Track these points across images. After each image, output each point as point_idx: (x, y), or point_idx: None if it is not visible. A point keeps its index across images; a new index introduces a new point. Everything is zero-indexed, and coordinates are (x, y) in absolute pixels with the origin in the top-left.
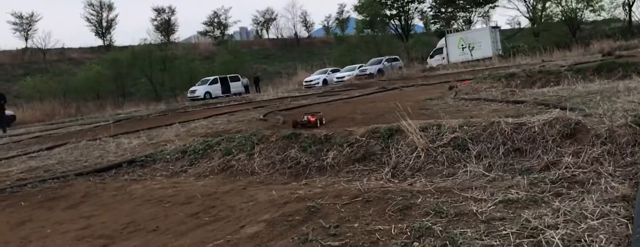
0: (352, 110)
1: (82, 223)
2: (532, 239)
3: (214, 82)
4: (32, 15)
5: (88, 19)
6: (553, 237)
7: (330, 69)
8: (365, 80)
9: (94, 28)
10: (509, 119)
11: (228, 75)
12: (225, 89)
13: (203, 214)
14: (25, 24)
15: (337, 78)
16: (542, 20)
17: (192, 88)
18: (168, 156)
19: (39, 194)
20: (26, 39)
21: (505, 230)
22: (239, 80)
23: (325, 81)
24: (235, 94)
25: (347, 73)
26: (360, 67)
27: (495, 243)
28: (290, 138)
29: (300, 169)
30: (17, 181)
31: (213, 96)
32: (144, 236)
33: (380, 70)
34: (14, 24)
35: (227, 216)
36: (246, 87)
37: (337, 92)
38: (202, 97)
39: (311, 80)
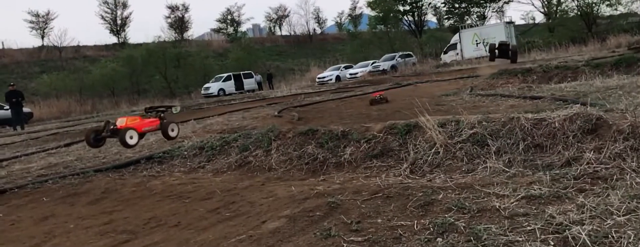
0: (366, 107)
1: (104, 218)
2: (557, 235)
3: (227, 79)
4: (48, 14)
5: (103, 17)
6: (579, 233)
7: (343, 65)
8: (378, 77)
9: (109, 26)
10: (528, 114)
11: (241, 72)
12: (239, 85)
13: (223, 210)
14: (41, 22)
15: (350, 74)
16: (557, 15)
17: (206, 85)
18: (185, 152)
19: (60, 189)
20: (42, 37)
21: (530, 226)
22: (252, 77)
23: (338, 78)
24: (248, 91)
25: (360, 69)
26: (373, 63)
27: (520, 239)
28: (306, 134)
29: (318, 165)
30: (38, 177)
31: (227, 93)
32: (166, 231)
33: (393, 67)
34: (30, 22)
35: (247, 211)
36: (259, 83)
37: (350, 88)
38: (216, 94)
39: (324, 77)
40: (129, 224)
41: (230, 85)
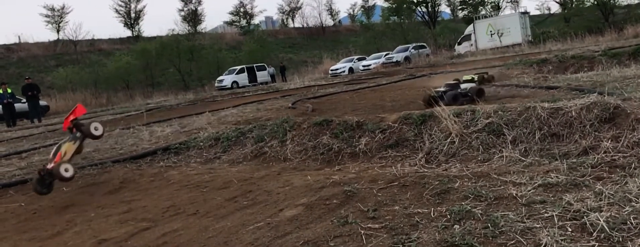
0: (380, 98)
1: (124, 207)
2: (575, 222)
3: (240, 71)
4: (63, 8)
5: (117, 10)
6: (598, 219)
7: (356, 57)
8: (391, 68)
9: (123, 19)
10: (544, 104)
11: (254, 65)
12: (252, 78)
13: (241, 199)
14: (56, 16)
15: (363, 66)
16: (573, 4)
17: (220, 77)
18: (201, 143)
19: (79, 180)
20: (58, 31)
21: (547, 213)
22: (265, 69)
23: (351, 69)
24: (261, 83)
25: (373, 61)
26: (386, 55)
27: (537, 225)
28: (321, 125)
29: (333, 155)
30: None
31: (240, 85)
32: (185, 219)
33: (407, 58)
34: (46, 16)
35: (264, 200)
36: (273, 76)
37: (363, 80)
38: (229, 86)
39: (337, 69)
40: (148, 213)
41: (243, 78)
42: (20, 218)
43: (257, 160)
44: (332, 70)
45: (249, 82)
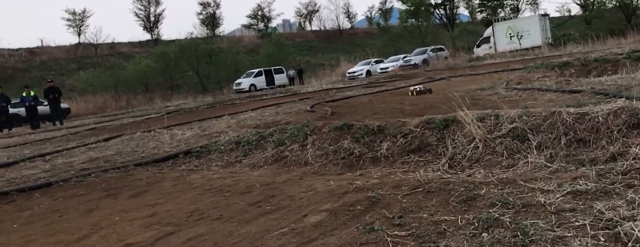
0: (400, 101)
1: (148, 211)
2: (608, 231)
3: (258, 74)
4: (84, 12)
5: (136, 14)
6: (632, 229)
7: (373, 60)
8: (409, 71)
9: (142, 23)
10: (570, 108)
11: (272, 68)
12: (270, 81)
13: (264, 203)
14: (77, 20)
15: (381, 69)
16: (594, 6)
17: (238, 80)
18: (222, 147)
19: (102, 183)
20: (79, 35)
21: (578, 221)
22: (283, 72)
23: (368, 72)
24: (279, 86)
25: (391, 64)
26: (404, 57)
27: (568, 234)
28: (342, 129)
29: (354, 160)
30: (81, 171)
31: (258, 88)
32: (210, 224)
33: (425, 61)
34: (67, 20)
35: (288, 205)
36: (292, 79)
37: (381, 83)
38: (247, 89)
39: (354, 72)
40: (172, 217)
41: (261, 81)
42: (46, 221)
43: (278, 164)
44: (349, 73)
45: (267, 85)
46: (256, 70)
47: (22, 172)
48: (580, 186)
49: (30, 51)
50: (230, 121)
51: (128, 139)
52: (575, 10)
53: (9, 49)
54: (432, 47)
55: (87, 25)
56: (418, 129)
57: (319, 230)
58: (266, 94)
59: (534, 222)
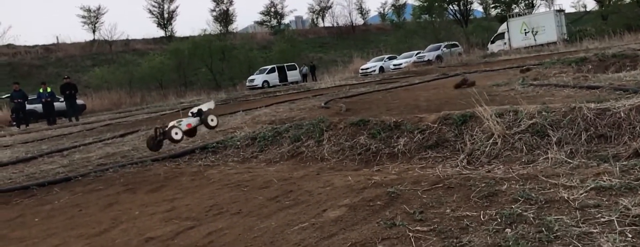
0: (415, 98)
1: (167, 206)
2: (635, 227)
3: (271, 71)
4: (99, 9)
5: (150, 11)
6: None
7: (386, 56)
8: (423, 67)
9: (156, 19)
10: (591, 104)
11: (285, 64)
12: (283, 77)
13: (283, 198)
14: (92, 17)
15: (394, 65)
16: (611, 1)
17: (251, 77)
18: (238, 143)
19: (120, 178)
20: (94, 31)
21: (604, 217)
22: (295, 69)
23: (381, 69)
24: (292, 83)
25: (404, 60)
26: (418, 53)
27: (594, 230)
28: (358, 125)
29: (370, 155)
30: (98, 166)
31: (271, 85)
32: (229, 218)
33: (438, 57)
34: (82, 17)
35: (306, 200)
36: (305, 75)
37: (395, 79)
38: (260, 85)
39: (367, 68)
40: (191, 211)
41: (274, 77)
42: (67, 215)
43: (294, 160)
44: (362, 69)
45: (280, 82)
46: (269, 67)
47: (40, 167)
48: (604, 182)
49: (46, 48)
50: (245, 117)
51: (144, 135)
52: (591, 5)
53: (25, 46)
54: (446, 43)
55: (102, 23)
56: (435, 125)
57: (340, 225)
58: (279, 91)
59: (558, 218)
